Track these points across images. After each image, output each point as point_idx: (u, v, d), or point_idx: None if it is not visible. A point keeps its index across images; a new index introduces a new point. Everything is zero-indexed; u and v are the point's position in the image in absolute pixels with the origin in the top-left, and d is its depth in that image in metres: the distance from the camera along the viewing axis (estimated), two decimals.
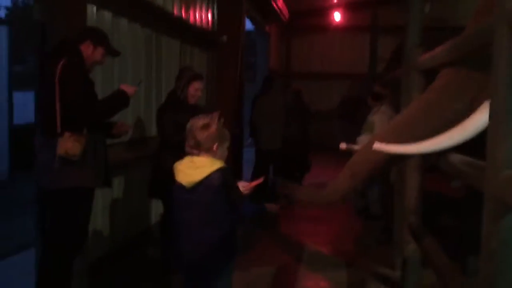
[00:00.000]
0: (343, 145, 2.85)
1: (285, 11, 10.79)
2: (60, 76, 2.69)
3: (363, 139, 4.60)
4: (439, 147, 2.08)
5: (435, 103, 2.07)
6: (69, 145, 2.69)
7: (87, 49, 2.88)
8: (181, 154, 2.59)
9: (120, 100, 2.96)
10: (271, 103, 6.18)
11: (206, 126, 2.58)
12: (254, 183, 2.71)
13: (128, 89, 2.98)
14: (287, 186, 2.75)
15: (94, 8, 3.48)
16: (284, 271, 4.08)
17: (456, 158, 2.19)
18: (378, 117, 4.66)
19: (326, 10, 12.32)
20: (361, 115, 9.72)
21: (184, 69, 3.95)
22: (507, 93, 1.50)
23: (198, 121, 2.64)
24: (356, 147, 4.41)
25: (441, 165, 2.34)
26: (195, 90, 3.72)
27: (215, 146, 2.55)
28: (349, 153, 2.68)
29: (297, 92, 7.10)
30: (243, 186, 2.67)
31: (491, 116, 1.59)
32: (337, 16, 12.34)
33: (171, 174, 2.56)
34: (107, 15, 3.71)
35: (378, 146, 2.06)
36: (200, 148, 2.56)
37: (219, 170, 2.50)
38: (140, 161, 4.33)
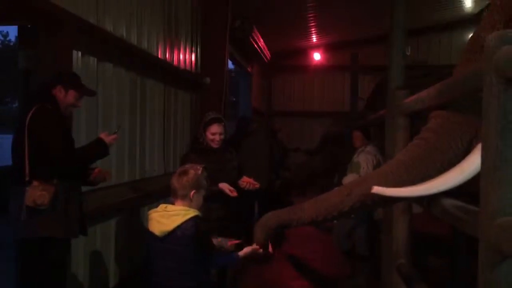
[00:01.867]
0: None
1: (266, 51, 10.96)
2: (30, 123, 2.66)
3: (349, 179, 4.59)
4: (436, 190, 2.03)
5: (437, 143, 2.06)
6: (37, 194, 2.63)
7: (59, 94, 2.85)
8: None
9: (98, 149, 2.92)
10: (256, 144, 6.16)
11: (183, 173, 2.57)
12: (233, 242, 2.73)
13: (108, 138, 2.94)
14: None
15: (80, 54, 3.47)
16: None
17: (447, 202, 2.17)
18: (363, 157, 4.67)
19: (306, 50, 12.61)
20: (340, 152, 9.83)
21: (205, 114, 3.90)
22: (498, 140, 1.51)
23: (179, 169, 2.66)
24: None
25: (432, 209, 2.32)
26: (212, 134, 3.66)
27: (191, 193, 2.52)
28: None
29: (275, 131, 7.17)
30: (222, 241, 2.68)
31: (483, 163, 1.60)
32: (317, 56, 12.67)
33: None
34: (92, 60, 3.71)
35: (377, 189, 2.03)
36: (175, 195, 2.55)
37: (192, 219, 2.45)
38: (125, 205, 4.25)
